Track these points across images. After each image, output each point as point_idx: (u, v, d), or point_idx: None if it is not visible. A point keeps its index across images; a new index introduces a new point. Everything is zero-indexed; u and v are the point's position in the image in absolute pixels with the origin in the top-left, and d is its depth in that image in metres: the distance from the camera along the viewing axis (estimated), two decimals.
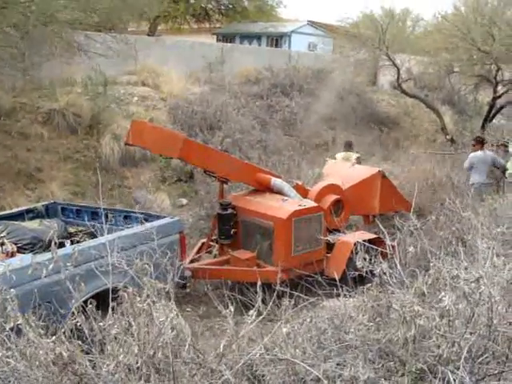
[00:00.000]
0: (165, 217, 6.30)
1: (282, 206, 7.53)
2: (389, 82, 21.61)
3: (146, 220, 6.39)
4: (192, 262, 7.82)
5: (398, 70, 18.67)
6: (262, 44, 27.33)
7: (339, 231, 8.40)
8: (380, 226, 5.84)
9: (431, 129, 20.93)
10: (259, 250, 7.51)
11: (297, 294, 5.70)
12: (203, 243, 8.28)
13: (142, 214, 6.53)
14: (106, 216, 6.66)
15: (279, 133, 16.46)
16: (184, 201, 13.47)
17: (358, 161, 10.97)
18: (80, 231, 6.62)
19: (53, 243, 3.99)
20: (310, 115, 17.81)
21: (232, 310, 4.13)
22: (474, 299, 3.12)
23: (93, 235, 6.55)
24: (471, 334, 3.08)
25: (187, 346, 3.53)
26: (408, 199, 10.26)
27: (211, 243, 8.23)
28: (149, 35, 22.98)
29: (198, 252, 8.12)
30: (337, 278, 4.62)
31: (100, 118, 13.96)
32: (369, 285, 3.88)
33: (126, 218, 6.62)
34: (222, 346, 3.58)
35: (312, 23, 27.17)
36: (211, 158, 7.45)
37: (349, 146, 12.12)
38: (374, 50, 18.35)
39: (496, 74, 17.75)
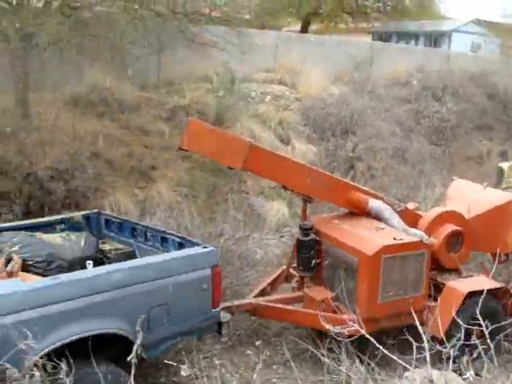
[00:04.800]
0: (199, 244, 5.04)
1: (372, 237, 5.95)
2: None
3: (182, 246, 5.20)
4: (262, 293, 6.48)
5: None
6: (420, 44, 25.28)
7: (458, 272, 6.65)
8: None
9: None
10: (340, 291, 5.99)
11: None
12: (283, 270, 6.91)
13: (179, 237, 5.35)
14: (145, 234, 5.60)
15: (424, 141, 14.59)
16: None
17: None
18: (116, 249, 5.57)
19: None
20: (463, 123, 15.71)
21: None
22: None
23: (130, 256, 5.48)
24: None
25: None
26: None
27: (292, 272, 6.83)
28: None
29: (273, 281, 6.76)
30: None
31: (225, 117, 13.05)
32: None
33: (163, 239, 5.47)
34: None
35: (477, 21, 24.55)
36: (286, 170, 6.04)
37: None
38: None
39: None
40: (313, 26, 25.25)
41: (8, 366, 3.11)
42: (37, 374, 3.01)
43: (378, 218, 6.44)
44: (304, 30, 23.42)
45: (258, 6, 19.39)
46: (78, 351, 4.03)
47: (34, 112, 10.79)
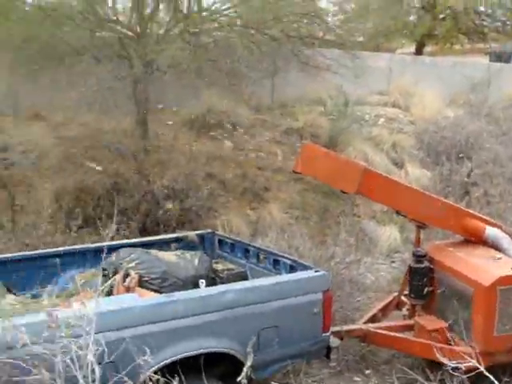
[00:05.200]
0: (311, 268, 5.05)
1: (489, 267, 5.71)
2: None
3: (293, 268, 5.22)
4: (372, 319, 6.38)
5: None
6: None
7: None
8: None
9: None
10: (454, 322, 5.79)
11: None
12: (395, 297, 6.77)
13: (291, 260, 5.37)
14: (258, 256, 5.68)
15: None
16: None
17: None
18: (229, 270, 5.68)
19: None
20: None
21: None
22: None
23: (242, 276, 5.58)
24: None
25: None
26: None
27: (403, 299, 6.68)
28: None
29: (384, 308, 6.64)
30: None
31: (338, 140, 13.06)
32: None
33: (275, 261, 5.52)
34: None
35: None
36: (400, 195, 5.94)
37: None
38: None
39: None
40: (427, 48, 24.81)
41: (126, 378, 3.23)
42: None
43: (494, 246, 6.20)
44: (418, 51, 23.05)
45: (372, 29, 19.28)
46: (188, 368, 4.12)
47: (153, 133, 11.25)
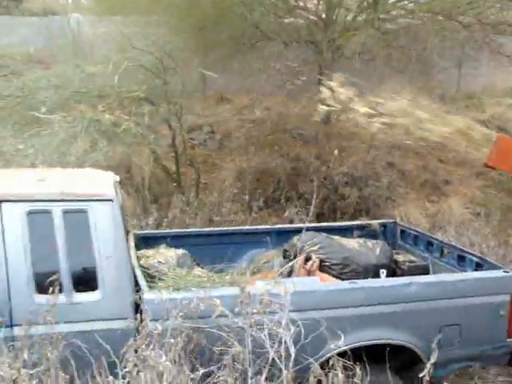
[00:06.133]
0: (500, 268, 4.76)
1: None
2: None
3: (480, 266, 4.97)
4: None
5: None
6: None
7: None
8: None
9: None
10: None
11: None
12: None
13: (478, 257, 5.11)
14: (441, 250, 5.49)
15: None
16: None
17: None
18: (410, 262, 5.54)
19: None
20: None
21: None
22: None
23: (424, 270, 5.44)
24: None
25: None
26: None
27: None
28: None
29: None
30: None
31: None
32: None
33: (459, 257, 5.27)
34: None
35: None
36: None
37: None
38: None
39: None
40: None
41: (312, 361, 3.26)
42: (340, 375, 3.07)
43: None
44: None
45: None
46: (367, 357, 4.07)
47: (335, 119, 11.24)
